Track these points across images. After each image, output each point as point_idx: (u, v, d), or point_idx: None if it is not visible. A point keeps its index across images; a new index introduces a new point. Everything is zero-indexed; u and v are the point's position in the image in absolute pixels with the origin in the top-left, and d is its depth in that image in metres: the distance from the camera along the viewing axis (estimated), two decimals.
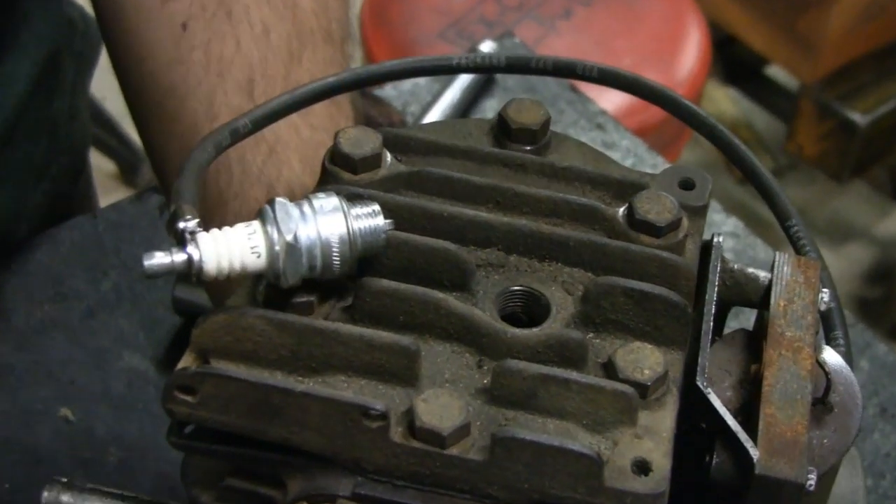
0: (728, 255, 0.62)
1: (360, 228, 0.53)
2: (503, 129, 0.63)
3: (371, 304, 0.55)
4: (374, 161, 0.60)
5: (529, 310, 0.58)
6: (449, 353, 0.55)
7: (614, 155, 1.10)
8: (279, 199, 0.53)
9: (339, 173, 0.60)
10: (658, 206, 0.59)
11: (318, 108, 0.69)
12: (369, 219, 0.54)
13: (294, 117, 0.66)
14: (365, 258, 0.55)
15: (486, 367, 0.55)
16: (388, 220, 0.54)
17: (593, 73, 0.65)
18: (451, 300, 0.56)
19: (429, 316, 0.55)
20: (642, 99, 0.65)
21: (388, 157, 0.61)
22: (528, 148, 0.63)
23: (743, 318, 0.86)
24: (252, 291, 0.55)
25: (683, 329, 0.56)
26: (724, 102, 2.44)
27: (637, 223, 0.59)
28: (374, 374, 0.54)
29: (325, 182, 0.60)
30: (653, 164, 1.15)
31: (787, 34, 2.16)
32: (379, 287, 0.55)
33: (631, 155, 1.16)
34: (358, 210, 0.54)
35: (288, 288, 0.54)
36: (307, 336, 0.53)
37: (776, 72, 2.41)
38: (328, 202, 0.53)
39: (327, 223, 0.52)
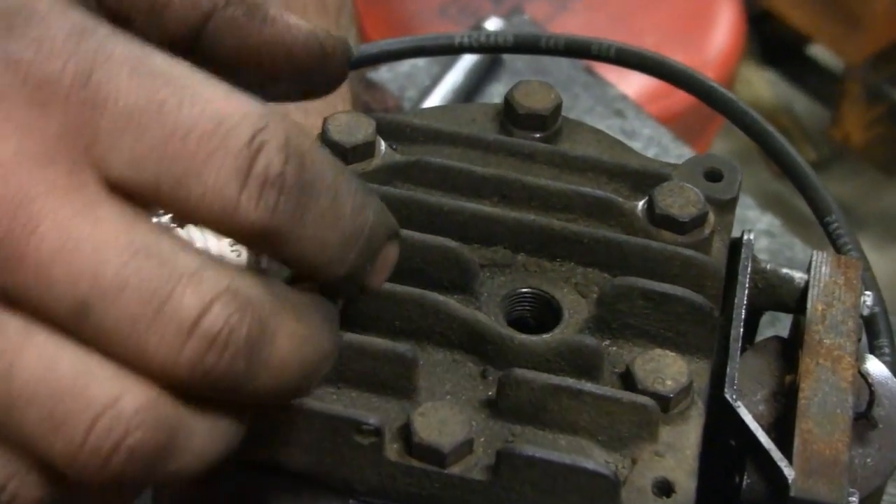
0: (762, 256, 0.63)
1: None
2: (510, 115, 0.64)
3: (363, 308, 0.56)
4: (366, 150, 0.61)
5: (539, 314, 0.59)
6: (450, 361, 0.56)
7: (635, 145, 1.11)
8: None
9: None
10: (681, 200, 0.59)
11: None
12: None
13: None
14: None
15: (490, 378, 0.56)
16: None
17: (610, 53, 0.65)
18: (452, 303, 0.56)
19: (427, 321, 0.56)
20: (665, 82, 0.66)
21: (383, 145, 0.61)
22: (538, 135, 0.64)
23: (781, 327, 0.87)
24: None
25: (709, 335, 0.57)
26: (760, 86, 2.45)
27: (658, 218, 0.59)
28: (366, 385, 0.55)
29: None
30: (678, 154, 1.15)
31: (830, 9, 2.16)
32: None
33: (654, 144, 1.17)
34: None
35: None
36: None
37: (819, 51, 2.42)
38: None
39: None
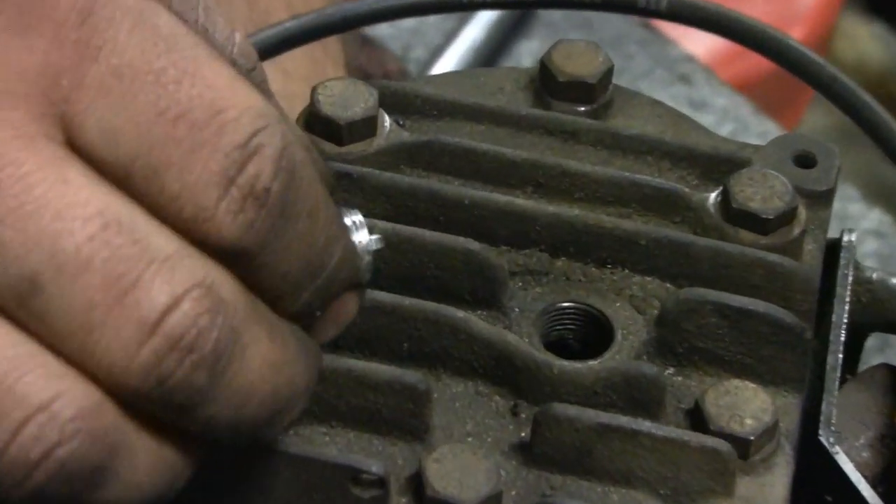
0: (868, 263, 0.63)
1: None
2: (547, 83, 0.64)
3: (362, 327, 0.56)
4: (365, 127, 0.61)
5: (584, 335, 0.59)
6: (472, 394, 0.57)
7: (705, 119, 1.11)
8: None
9: (317, 144, 0.61)
10: (764, 191, 0.59)
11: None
12: (354, 236, 0.53)
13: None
14: None
15: (523, 415, 0.56)
16: (375, 237, 0.54)
17: (661, 7, 0.65)
18: (475, 321, 0.57)
19: (443, 342, 0.57)
20: (731, 41, 0.66)
21: (387, 121, 0.62)
22: (583, 108, 0.64)
23: (892, 353, 0.87)
24: None
25: (799, 362, 0.58)
26: (866, 43, 2.44)
27: (734, 214, 0.60)
28: (367, 424, 0.55)
29: None
30: (761, 132, 1.15)
31: None
32: (373, 302, 0.56)
33: (729, 119, 1.17)
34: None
35: None
36: None
37: None
38: None
39: None
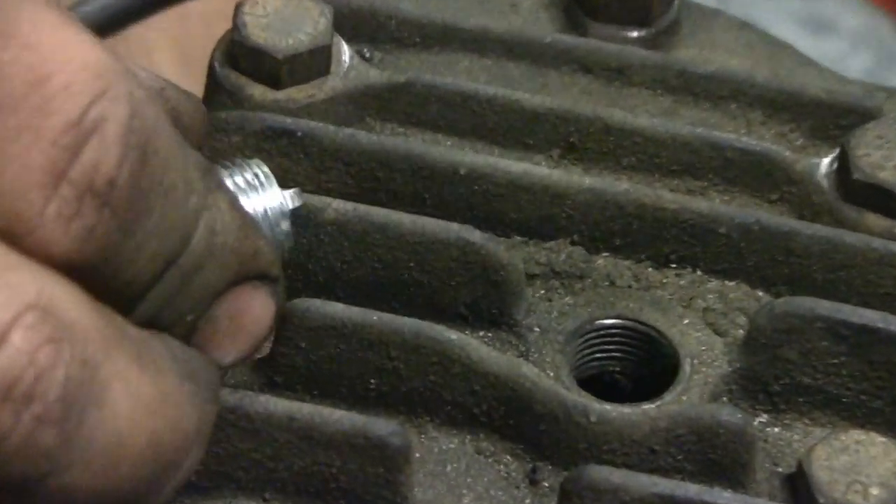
0: None
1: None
2: None
3: (310, 356, 0.57)
4: (314, 61, 0.61)
5: (636, 367, 0.59)
6: (470, 453, 0.57)
7: (829, 47, 1.10)
8: None
9: (242, 87, 0.62)
10: None
11: None
12: (255, 195, 0.54)
13: None
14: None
15: (546, 483, 0.56)
16: (290, 192, 0.55)
17: None
18: (476, 346, 0.57)
19: (428, 378, 0.57)
20: None
21: (345, 53, 0.62)
22: (636, 34, 0.64)
23: None
24: None
25: None
26: None
27: (857, 189, 0.60)
28: (317, 497, 0.55)
29: (217, 104, 0.61)
30: None
31: None
32: (323, 317, 0.57)
33: (864, 46, 1.17)
34: (233, 179, 0.55)
35: None
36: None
37: None
38: None
39: None
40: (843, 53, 1.16)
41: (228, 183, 0.54)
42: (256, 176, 0.53)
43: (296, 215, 0.54)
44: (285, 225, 0.53)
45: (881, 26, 1.22)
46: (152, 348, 0.47)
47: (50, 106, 0.44)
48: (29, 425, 0.44)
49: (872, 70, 1.16)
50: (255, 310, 0.50)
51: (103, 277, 0.46)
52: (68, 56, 0.45)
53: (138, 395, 0.46)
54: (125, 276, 0.46)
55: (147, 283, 0.47)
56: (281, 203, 0.53)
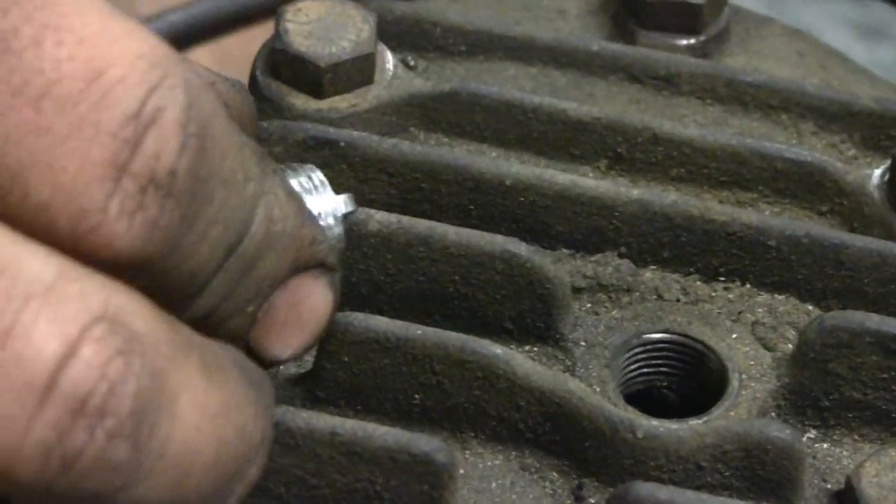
0: None
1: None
2: (632, 3, 0.64)
3: (353, 370, 0.57)
4: (358, 70, 0.61)
5: (684, 382, 0.59)
6: (515, 470, 0.57)
7: (882, 55, 1.10)
8: None
9: (284, 95, 0.62)
10: None
11: None
12: (309, 198, 0.54)
13: None
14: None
15: (592, 500, 0.56)
16: (344, 196, 0.54)
17: None
18: (521, 361, 0.56)
19: (473, 393, 0.56)
20: None
21: (390, 61, 0.62)
22: (685, 42, 0.64)
23: None
24: None
25: None
26: None
27: None
28: None
29: (258, 113, 0.60)
30: None
31: None
32: (366, 331, 0.56)
33: None
34: (287, 182, 0.54)
35: None
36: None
37: None
38: None
39: None
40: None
41: (297, 180, 0.55)
42: (310, 179, 0.53)
43: (349, 220, 0.54)
44: (339, 229, 0.54)
45: None
46: (217, 355, 0.47)
47: (108, 99, 0.44)
48: (102, 441, 0.44)
49: None
50: (315, 299, 0.51)
51: (167, 271, 0.46)
52: (122, 47, 0.45)
53: (206, 403, 0.46)
54: (188, 268, 0.46)
55: (209, 273, 0.47)
56: (335, 207, 0.54)
